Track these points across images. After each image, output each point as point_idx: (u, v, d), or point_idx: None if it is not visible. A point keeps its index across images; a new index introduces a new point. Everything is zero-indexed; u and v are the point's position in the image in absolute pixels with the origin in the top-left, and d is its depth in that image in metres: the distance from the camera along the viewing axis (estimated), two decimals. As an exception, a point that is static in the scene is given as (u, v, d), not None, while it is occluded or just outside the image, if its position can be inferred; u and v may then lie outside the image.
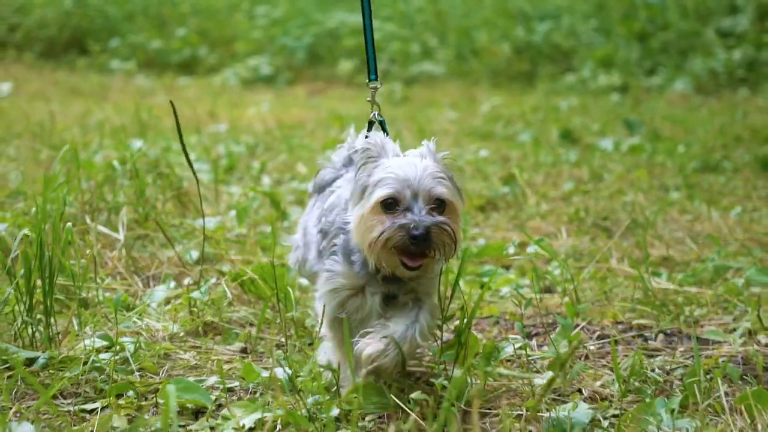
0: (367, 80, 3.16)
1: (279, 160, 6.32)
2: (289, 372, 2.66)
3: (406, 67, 11.63)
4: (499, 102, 9.53)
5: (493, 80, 11.38)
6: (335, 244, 2.84)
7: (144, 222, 4.10)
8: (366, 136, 2.92)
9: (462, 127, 8.33)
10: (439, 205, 2.67)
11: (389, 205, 2.65)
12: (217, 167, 5.71)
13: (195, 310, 3.26)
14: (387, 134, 3.00)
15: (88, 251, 3.61)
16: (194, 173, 3.31)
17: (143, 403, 2.62)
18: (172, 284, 3.58)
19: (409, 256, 2.65)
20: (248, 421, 2.47)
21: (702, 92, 10.64)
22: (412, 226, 2.60)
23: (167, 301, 3.43)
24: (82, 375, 2.72)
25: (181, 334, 3.17)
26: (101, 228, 3.87)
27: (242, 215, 4.37)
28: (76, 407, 2.57)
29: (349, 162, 3.08)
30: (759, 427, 2.47)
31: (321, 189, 3.14)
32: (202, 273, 3.49)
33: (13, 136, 6.84)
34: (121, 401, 2.60)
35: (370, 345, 2.67)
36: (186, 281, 3.56)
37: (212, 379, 2.78)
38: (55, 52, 12.51)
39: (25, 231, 3.11)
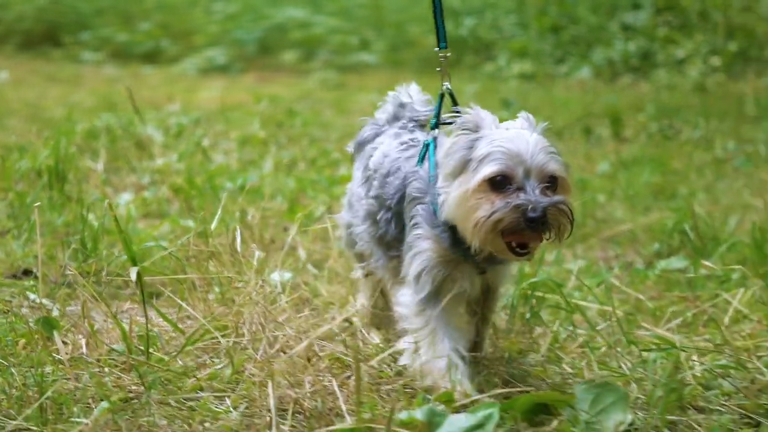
0: (437, 48, 3.24)
1: (217, 129, 9.09)
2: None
3: (345, 56, 14.42)
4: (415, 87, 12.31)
5: (421, 69, 14.17)
6: (414, 215, 2.89)
7: (115, 160, 6.88)
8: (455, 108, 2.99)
9: (374, 106, 11.09)
10: (552, 183, 2.70)
11: (499, 183, 2.66)
12: (168, 133, 8.51)
13: (146, 203, 6.04)
14: (456, 105, 3.10)
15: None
16: (138, 112, 6.05)
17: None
18: (132, 194, 6.35)
19: (522, 239, 2.68)
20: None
21: (600, 79, 13.44)
22: (529, 207, 2.60)
23: (131, 202, 6.18)
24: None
25: (138, 216, 5.93)
26: (89, 162, 6.64)
27: (182, 157, 7.15)
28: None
29: (394, 118, 3.27)
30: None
31: (361, 146, 3.27)
32: (150, 183, 6.29)
33: (11, 112, 9.59)
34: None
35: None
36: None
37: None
38: (31, 44, 15.26)
39: (46, 153, 5.88)
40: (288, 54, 14.40)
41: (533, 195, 2.62)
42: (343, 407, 2.75)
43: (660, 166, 7.64)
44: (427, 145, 3.00)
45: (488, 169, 2.66)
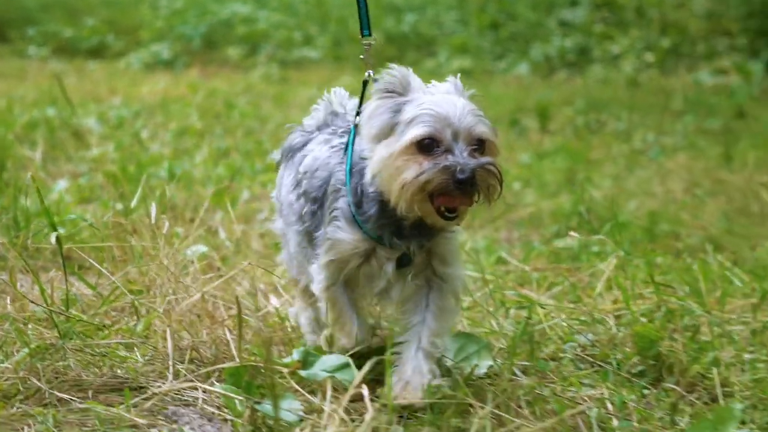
0: (360, 36, 3.26)
1: (156, 121, 9.50)
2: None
3: (289, 51, 14.87)
4: (352, 81, 12.80)
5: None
6: (335, 209, 2.95)
7: (53, 150, 7.29)
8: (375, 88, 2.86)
9: (313, 101, 11.55)
10: (480, 145, 2.75)
11: (427, 145, 2.71)
12: (107, 125, 8.92)
13: (80, 189, 6.46)
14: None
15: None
16: (69, 102, 6.48)
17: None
18: (68, 181, 6.76)
19: (451, 202, 2.72)
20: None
21: (537, 74, 14.00)
22: (458, 168, 2.65)
23: (66, 189, 6.60)
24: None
25: (73, 201, 6.34)
26: (27, 151, 7.05)
27: (118, 147, 7.58)
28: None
29: (324, 125, 3.26)
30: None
31: (290, 154, 3.29)
32: (86, 172, 6.72)
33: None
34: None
35: (400, 390, 2.92)
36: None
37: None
38: (-23, 40, 15.63)
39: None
40: (232, 49, 14.83)
41: (461, 157, 2.67)
42: (235, 353, 3.21)
43: (577, 156, 8.19)
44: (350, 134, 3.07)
45: (416, 132, 2.70)
